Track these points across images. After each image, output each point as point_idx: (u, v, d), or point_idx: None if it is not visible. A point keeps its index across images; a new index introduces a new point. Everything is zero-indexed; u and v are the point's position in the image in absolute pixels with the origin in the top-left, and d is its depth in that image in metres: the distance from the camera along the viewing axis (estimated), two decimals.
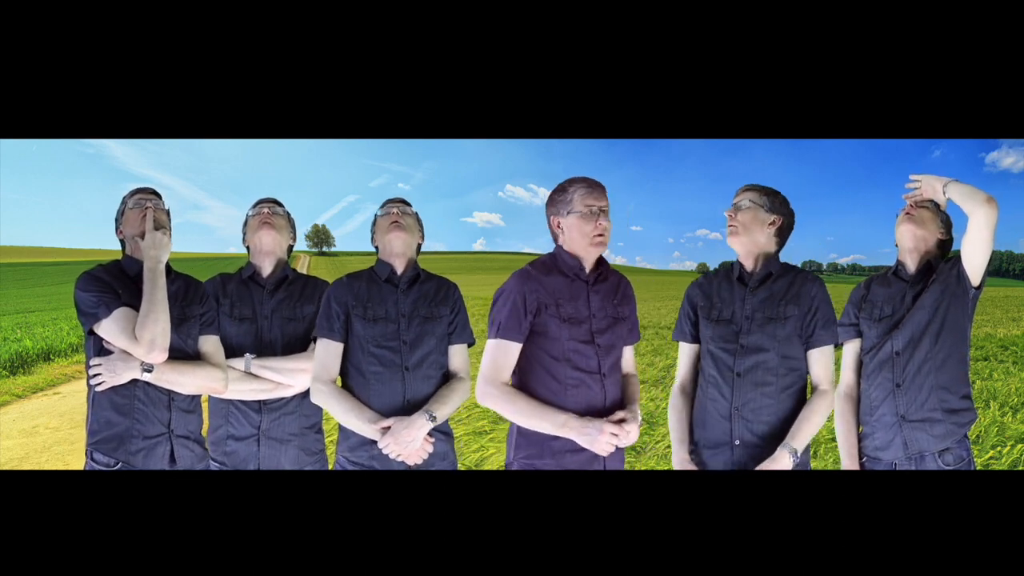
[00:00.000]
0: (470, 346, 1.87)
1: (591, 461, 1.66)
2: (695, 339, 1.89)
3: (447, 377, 1.82)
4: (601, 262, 1.76)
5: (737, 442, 1.76)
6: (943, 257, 1.90)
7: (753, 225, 1.80)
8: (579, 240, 1.69)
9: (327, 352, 1.78)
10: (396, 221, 1.83)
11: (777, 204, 1.83)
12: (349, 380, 1.80)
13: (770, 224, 1.82)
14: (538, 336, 1.67)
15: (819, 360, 1.78)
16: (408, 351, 1.77)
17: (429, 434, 1.72)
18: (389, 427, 1.68)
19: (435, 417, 1.70)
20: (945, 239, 1.91)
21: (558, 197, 1.74)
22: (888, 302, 1.87)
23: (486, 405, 1.68)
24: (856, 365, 1.94)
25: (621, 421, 1.63)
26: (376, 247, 1.88)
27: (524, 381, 1.69)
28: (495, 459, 4.00)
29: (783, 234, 1.85)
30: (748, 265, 1.83)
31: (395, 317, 1.79)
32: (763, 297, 1.79)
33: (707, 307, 1.85)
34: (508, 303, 1.66)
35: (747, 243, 1.81)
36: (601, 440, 1.59)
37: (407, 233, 1.83)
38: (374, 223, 1.90)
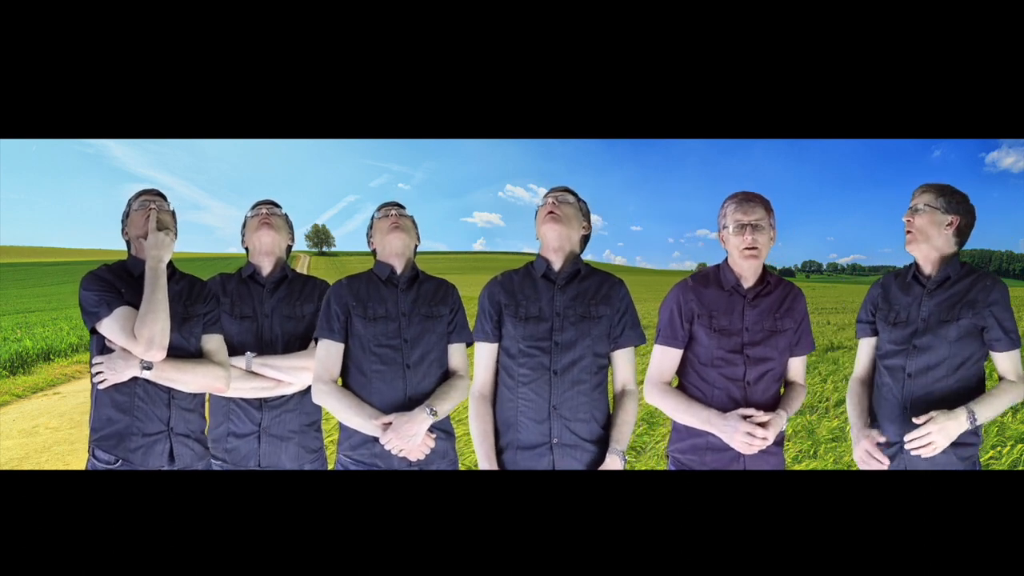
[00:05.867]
0: (468, 345, 1.88)
1: (731, 461, 1.77)
2: (874, 332, 1.92)
3: (447, 376, 1.84)
4: (765, 278, 1.82)
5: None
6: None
7: (931, 229, 1.80)
8: (732, 253, 1.81)
9: (328, 353, 1.80)
10: (395, 223, 1.85)
11: (954, 204, 1.80)
12: (350, 379, 1.81)
13: (948, 225, 1.80)
14: (692, 342, 1.83)
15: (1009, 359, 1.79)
16: (409, 349, 1.78)
17: (431, 431, 1.73)
18: (390, 423, 1.70)
19: (436, 412, 1.72)
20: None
21: (719, 213, 1.85)
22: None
23: (650, 403, 1.87)
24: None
25: (763, 424, 1.71)
26: (374, 249, 1.90)
27: (681, 381, 1.86)
28: None
29: (963, 233, 1.83)
30: (927, 269, 1.84)
31: (396, 316, 1.81)
32: (940, 300, 1.80)
33: (886, 309, 1.88)
34: (667, 312, 1.85)
35: (925, 249, 1.81)
36: (737, 436, 1.70)
37: (406, 234, 1.86)
38: (371, 226, 1.92)
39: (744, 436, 1.68)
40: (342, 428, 1.80)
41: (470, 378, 1.85)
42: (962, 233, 1.81)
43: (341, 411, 1.75)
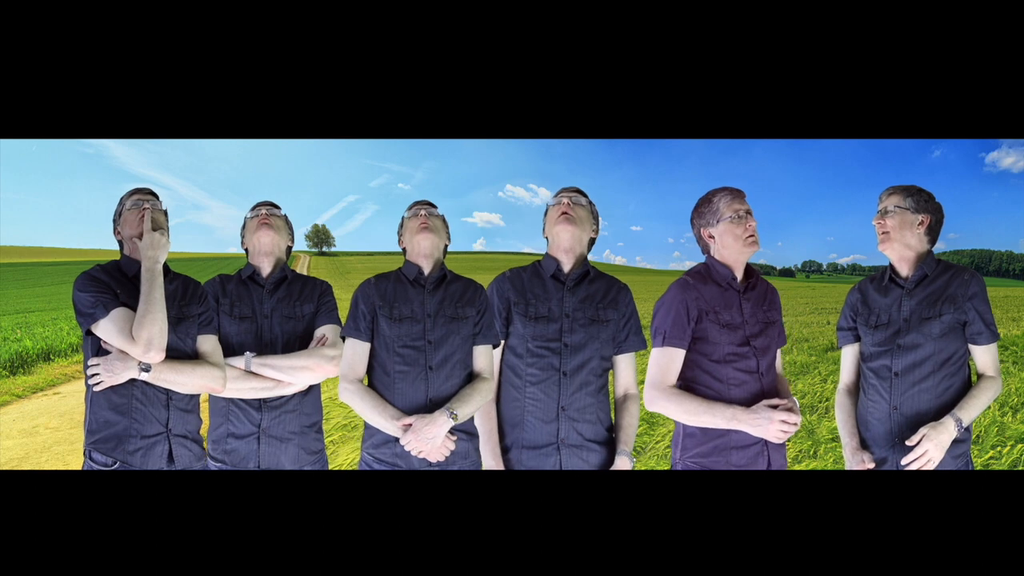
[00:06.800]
0: (495, 347, 1.87)
1: (755, 458, 1.74)
2: (856, 339, 1.93)
3: (471, 377, 1.83)
4: (751, 272, 1.83)
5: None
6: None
7: (903, 230, 1.82)
8: (733, 244, 1.77)
9: (354, 352, 1.80)
10: (425, 223, 1.84)
11: (923, 202, 1.83)
12: (375, 379, 1.81)
13: (919, 224, 1.83)
14: (699, 342, 1.76)
15: (986, 354, 1.80)
16: (432, 350, 1.78)
17: (451, 433, 1.73)
18: (411, 424, 1.70)
19: (456, 415, 1.72)
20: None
21: (704, 209, 1.82)
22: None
23: (655, 410, 1.77)
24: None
25: (788, 409, 1.69)
26: (404, 248, 1.90)
27: (687, 383, 1.78)
28: None
29: (933, 231, 1.85)
30: (903, 269, 1.85)
31: (421, 317, 1.80)
32: (920, 298, 1.81)
33: (866, 314, 1.89)
34: (672, 312, 1.76)
35: (900, 248, 1.83)
36: (772, 427, 1.67)
37: (435, 234, 1.84)
38: (401, 225, 1.91)
39: (779, 425, 1.67)
40: (366, 426, 1.81)
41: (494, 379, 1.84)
42: (933, 231, 1.85)
43: (365, 411, 1.76)
